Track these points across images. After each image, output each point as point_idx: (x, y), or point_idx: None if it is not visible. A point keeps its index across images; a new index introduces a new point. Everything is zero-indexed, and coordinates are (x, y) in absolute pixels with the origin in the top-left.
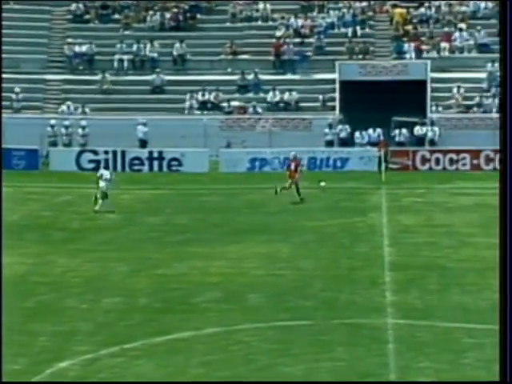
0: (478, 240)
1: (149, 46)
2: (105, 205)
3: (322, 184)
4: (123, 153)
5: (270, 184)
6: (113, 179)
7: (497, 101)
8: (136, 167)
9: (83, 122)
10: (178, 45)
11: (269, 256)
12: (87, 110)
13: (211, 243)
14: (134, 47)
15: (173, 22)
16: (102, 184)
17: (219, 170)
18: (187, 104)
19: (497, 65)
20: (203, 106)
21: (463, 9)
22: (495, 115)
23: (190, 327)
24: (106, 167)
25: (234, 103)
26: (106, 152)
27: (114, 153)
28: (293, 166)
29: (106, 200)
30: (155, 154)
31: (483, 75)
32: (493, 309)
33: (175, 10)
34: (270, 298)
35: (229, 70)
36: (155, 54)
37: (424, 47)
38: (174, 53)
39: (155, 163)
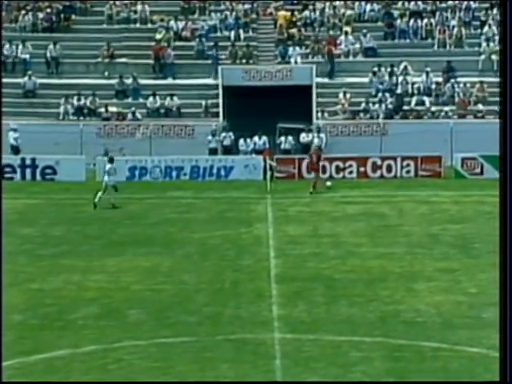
0: (365, 250)
1: (20, 47)
2: (110, 197)
3: (328, 184)
4: None
5: (151, 194)
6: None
7: (384, 106)
8: (8, 175)
9: None
10: (51, 46)
11: (149, 269)
12: None
13: (88, 256)
14: (5, 48)
15: (46, 22)
16: (106, 178)
17: (96, 178)
18: (62, 109)
19: (383, 69)
20: (79, 111)
21: (348, 12)
22: (382, 121)
23: (66, 345)
24: (111, 161)
25: (112, 109)
26: None
27: None
28: (314, 158)
29: (116, 193)
30: (28, 162)
31: (369, 80)
32: (381, 320)
33: (48, 10)
34: (151, 313)
35: (106, 73)
36: (27, 56)
37: (309, 51)
38: (48, 55)
39: (28, 171)
